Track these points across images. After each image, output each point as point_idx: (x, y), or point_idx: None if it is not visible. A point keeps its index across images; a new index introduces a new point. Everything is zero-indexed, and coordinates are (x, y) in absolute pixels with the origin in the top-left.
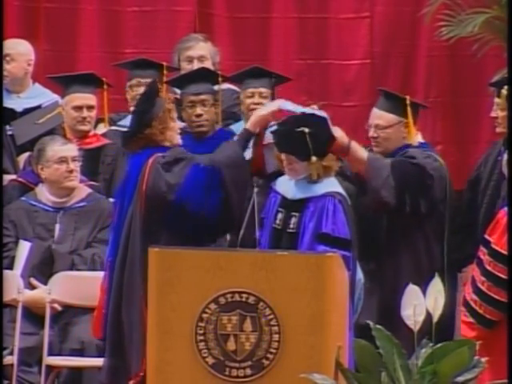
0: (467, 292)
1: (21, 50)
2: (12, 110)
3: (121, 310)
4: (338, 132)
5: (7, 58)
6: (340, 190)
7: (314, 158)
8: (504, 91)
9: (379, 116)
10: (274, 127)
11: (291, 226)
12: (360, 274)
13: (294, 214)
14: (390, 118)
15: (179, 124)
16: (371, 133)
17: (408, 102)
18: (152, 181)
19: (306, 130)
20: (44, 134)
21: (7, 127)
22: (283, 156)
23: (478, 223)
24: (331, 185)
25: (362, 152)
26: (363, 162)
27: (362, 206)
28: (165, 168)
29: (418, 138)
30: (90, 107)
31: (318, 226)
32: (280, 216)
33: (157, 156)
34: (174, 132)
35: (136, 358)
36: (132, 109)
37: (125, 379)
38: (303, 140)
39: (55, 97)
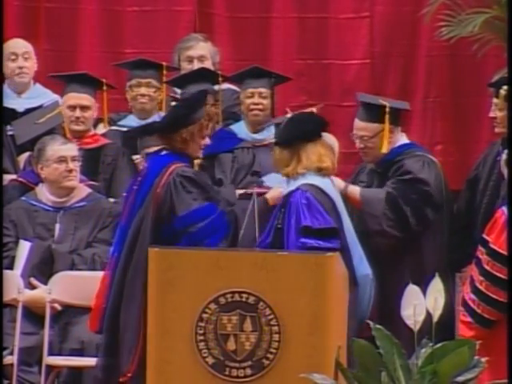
0: (465, 291)
1: (31, 48)
2: (13, 110)
3: (119, 309)
4: (337, 181)
5: (25, 56)
6: (314, 182)
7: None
8: (502, 91)
9: (363, 127)
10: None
11: (280, 221)
12: (368, 269)
13: (282, 209)
14: (374, 127)
15: (207, 141)
16: (358, 144)
17: (387, 109)
18: (165, 193)
19: (289, 114)
20: (44, 134)
21: (8, 127)
22: None
23: (477, 223)
24: (306, 179)
25: (355, 192)
26: (358, 201)
27: (373, 243)
28: (183, 184)
29: (403, 139)
30: (83, 107)
31: (298, 220)
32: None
33: (177, 166)
34: (197, 146)
35: (126, 358)
36: (172, 103)
37: (117, 377)
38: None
39: (56, 97)
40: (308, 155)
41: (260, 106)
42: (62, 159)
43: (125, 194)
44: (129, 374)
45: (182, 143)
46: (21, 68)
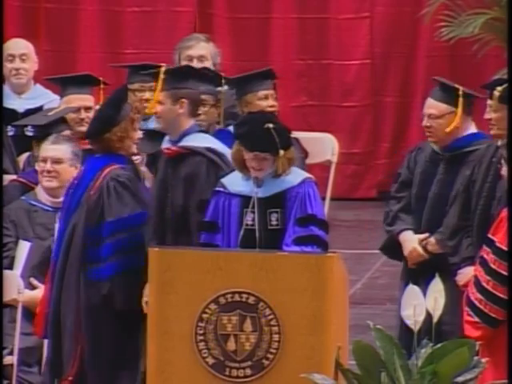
0: (471, 292)
1: (32, 49)
2: (13, 111)
3: (60, 314)
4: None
5: (23, 57)
6: (310, 175)
7: (281, 152)
8: (496, 93)
9: (432, 105)
10: (234, 130)
11: (273, 222)
12: None
13: (273, 210)
14: (442, 107)
15: (139, 133)
16: (424, 122)
17: (460, 92)
18: (98, 197)
19: (271, 125)
20: (57, 120)
21: (8, 128)
22: (249, 157)
23: (474, 225)
24: (301, 173)
25: None
26: None
27: None
28: (116, 189)
29: (472, 128)
30: (87, 108)
31: (303, 209)
32: (252, 216)
33: (113, 168)
34: (132, 142)
35: (66, 362)
36: (96, 108)
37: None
38: (271, 136)
39: (56, 97)
40: (290, 151)
41: (274, 108)
42: (43, 159)
43: (63, 198)
44: (70, 378)
45: (118, 142)
46: (17, 69)
